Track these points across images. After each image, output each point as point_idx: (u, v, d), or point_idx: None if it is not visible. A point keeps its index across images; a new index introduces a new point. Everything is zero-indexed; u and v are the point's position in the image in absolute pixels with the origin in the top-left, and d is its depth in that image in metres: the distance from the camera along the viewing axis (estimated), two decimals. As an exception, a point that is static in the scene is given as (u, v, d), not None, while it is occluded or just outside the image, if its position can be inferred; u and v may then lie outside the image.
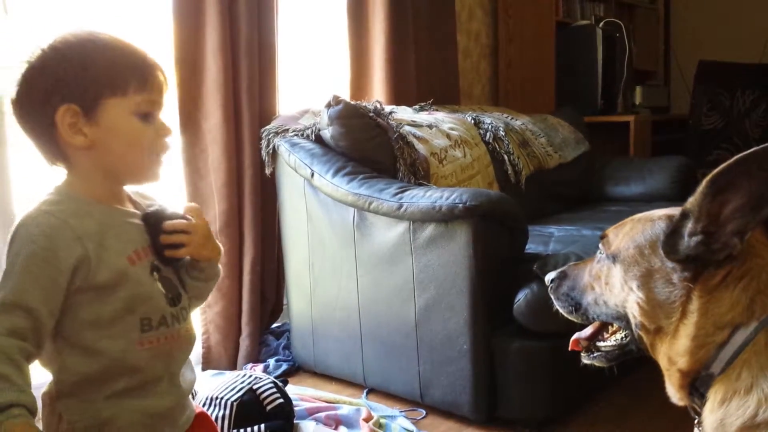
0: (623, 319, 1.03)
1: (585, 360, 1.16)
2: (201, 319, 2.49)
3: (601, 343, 1.13)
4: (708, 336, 0.89)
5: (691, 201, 0.91)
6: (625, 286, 1.00)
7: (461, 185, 2.59)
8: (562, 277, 1.17)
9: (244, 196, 2.49)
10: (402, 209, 2.08)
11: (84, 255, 0.96)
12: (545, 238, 2.43)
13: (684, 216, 0.93)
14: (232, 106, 2.45)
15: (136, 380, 1.02)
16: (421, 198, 2.07)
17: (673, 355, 0.94)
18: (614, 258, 1.02)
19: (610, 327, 1.11)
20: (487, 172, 2.87)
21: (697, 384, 0.92)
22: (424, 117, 2.84)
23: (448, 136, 2.76)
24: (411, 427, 2.06)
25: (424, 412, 2.17)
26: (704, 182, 0.89)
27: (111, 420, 1.01)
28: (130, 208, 1.08)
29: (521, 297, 1.98)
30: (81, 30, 1.02)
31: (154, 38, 2.47)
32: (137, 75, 1.00)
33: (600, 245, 1.08)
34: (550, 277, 1.20)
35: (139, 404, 1.03)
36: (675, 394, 0.99)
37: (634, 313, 0.99)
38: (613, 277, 1.02)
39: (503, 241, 2.04)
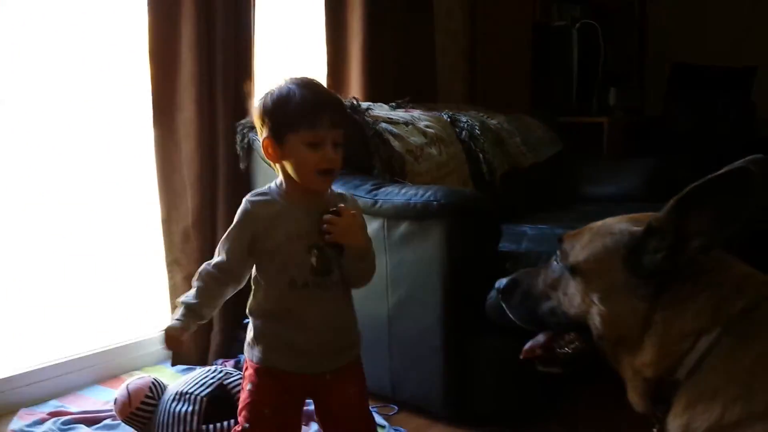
0: (583, 329, 1.02)
1: (540, 368, 1.16)
2: (172, 315, 2.45)
3: (557, 351, 1.11)
4: (673, 345, 0.90)
5: (659, 218, 0.92)
6: (587, 299, 0.99)
7: (436, 183, 2.59)
8: (514, 284, 1.16)
9: (217, 191, 2.47)
10: (377, 206, 2.08)
11: (260, 225, 1.42)
12: (518, 236, 2.44)
13: (649, 232, 0.93)
14: (207, 99, 2.42)
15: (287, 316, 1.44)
16: (396, 195, 2.06)
17: (637, 364, 0.94)
18: (573, 270, 1.01)
19: (566, 335, 1.09)
20: (462, 171, 2.88)
21: (661, 391, 0.92)
22: (400, 114, 2.84)
23: (424, 133, 2.76)
24: (383, 422, 2.06)
25: (396, 408, 2.17)
26: (673, 201, 0.90)
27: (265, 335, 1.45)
28: (314, 203, 1.44)
29: (494, 295, 1.99)
30: (288, 78, 1.45)
31: (129, 30, 2.44)
32: (307, 118, 1.37)
33: (557, 252, 1.06)
34: (500, 284, 1.18)
35: (284, 332, 1.43)
36: (638, 402, 0.99)
37: (595, 324, 0.98)
38: (573, 288, 1.01)
39: (477, 239, 2.05)
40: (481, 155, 3.02)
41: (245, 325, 1.51)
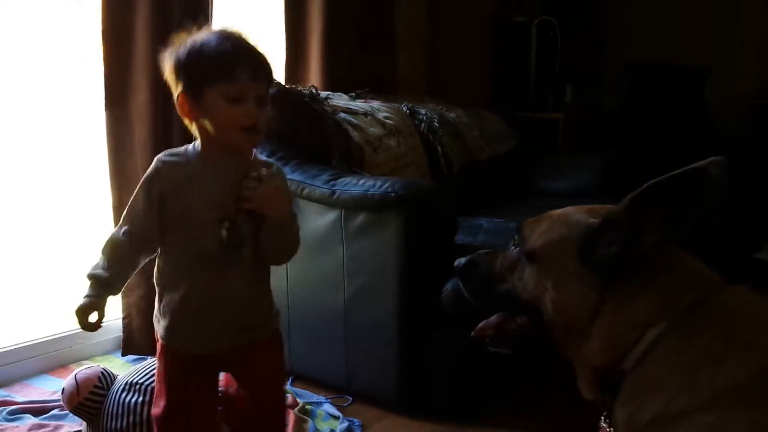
0: (535, 314, 1.03)
1: (490, 348, 1.17)
2: (122, 303, 2.41)
3: (508, 333, 1.13)
4: (621, 335, 0.92)
5: (615, 211, 0.94)
6: (540, 284, 1.01)
7: (395, 175, 2.59)
8: (472, 264, 1.17)
9: (171, 178, 2.42)
10: (334, 196, 2.07)
11: (168, 194, 1.32)
12: (474, 229, 2.46)
13: (605, 225, 0.95)
14: (162, 84, 2.36)
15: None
16: (354, 186, 2.06)
17: (586, 353, 0.96)
18: (530, 255, 1.03)
19: (518, 318, 1.12)
20: (420, 163, 2.89)
21: (608, 380, 0.94)
22: (359, 105, 2.82)
23: (383, 125, 2.76)
24: (337, 413, 2.06)
25: (351, 398, 2.17)
26: (630, 197, 0.91)
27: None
28: (229, 168, 1.33)
29: (449, 287, 2.00)
30: (209, 28, 1.34)
31: (81, 9, 2.37)
32: (226, 69, 1.27)
33: (516, 237, 1.08)
34: (459, 262, 1.19)
35: (189, 307, 1.35)
36: (586, 389, 1.01)
37: (547, 310, 1.00)
38: (528, 274, 1.03)
39: (433, 231, 2.05)
40: (439, 148, 3.03)
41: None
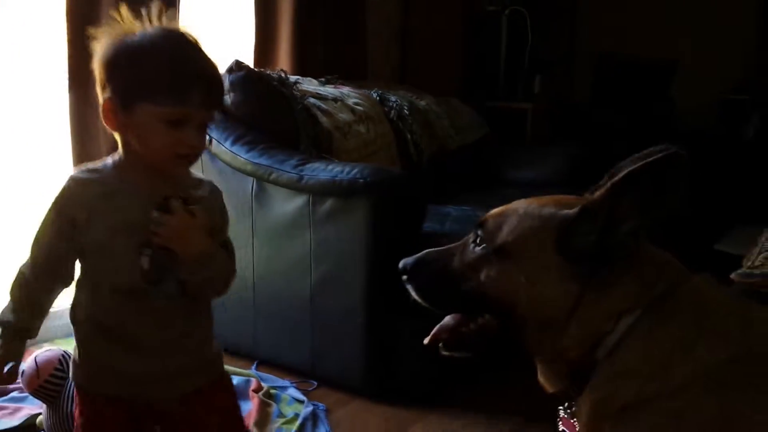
0: (505, 312, 0.99)
1: (444, 352, 1.11)
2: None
3: (467, 335, 1.07)
4: (597, 326, 0.92)
5: (594, 201, 0.93)
6: (514, 281, 0.97)
7: (364, 161, 2.58)
8: (422, 263, 1.10)
9: (137, 160, 2.38)
10: (302, 182, 2.06)
11: (80, 217, 1.11)
12: (442, 217, 2.47)
13: (583, 215, 0.93)
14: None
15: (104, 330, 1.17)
16: (322, 171, 2.05)
17: (561, 346, 0.95)
18: (500, 251, 0.99)
19: (479, 318, 1.05)
20: (389, 150, 2.89)
21: (578, 370, 0.94)
22: (329, 90, 2.81)
23: (352, 111, 2.75)
24: (301, 397, 2.06)
25: (316, 383, 2.17)
26: (609, 185, 0.91)
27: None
28: (152, 190, 1.13)
29: (416, 274, 2.01)
30: (156, 28, 1.11)
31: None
32: (174, 91, 1.06)
33: (478, 232, 1.03)
34: (405, 262, 1.11)
35: (111, 351, 1.16)
36: (553, 382, 1.00)
37: (522, 306, 0.96)
38: (499, 270, 0.98)
39: (401, 218, 2.06)
40: (409, 135, 3.04)
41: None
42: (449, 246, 1.08)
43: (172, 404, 1.21)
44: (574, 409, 0.99)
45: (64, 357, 1.77)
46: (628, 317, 0.91)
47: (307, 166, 2.10)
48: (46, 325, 2.37)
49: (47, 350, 1.80)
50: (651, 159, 0.87)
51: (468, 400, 2.10)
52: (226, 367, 1.34)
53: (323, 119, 2.53)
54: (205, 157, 2.30)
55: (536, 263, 0.95)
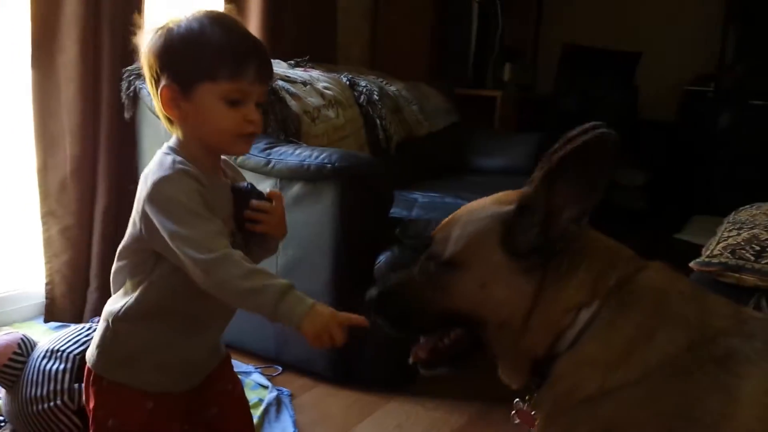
0: (468, 323, 0.98)
1: (425, 372, 1.09)
2: (46, 269, 2.32)
3: (444, 352, 1.06)
4: (558, 320, 0.92)
5: (528, 194, 0.92)
6: (469, 290, 0.96)
7: (332, 146, 2.57)
8: (386, 294, 1.07)
9: (99, 140, 2.33)
10: (269, 165, 2.04)
11: (207, 205, 1.09)
12: (410, 203, 2.48)
13: (520, 210, 0.93)
14: (92, 42, 2.27)
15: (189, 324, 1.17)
16: (290, 155, 2.04)
17: (523, 345, 0.95)
18: (451, 263, 0.98)
19: (452, 333, 1.03)
20: (359, 135, 2.88)
21: (540, 365, 0.94)
22: (298, 73, 2.78)
23: (322, 95, 2.73)
24: (266, 382, 2.06)
25: (280, 368, 2.17)
26: (540, 175, 0.90)
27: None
28: (222, 178, 1.18)
29: (382, 259, 2.02)
30: (198, 11, 1.12)
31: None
32: (230, 64, 1.08)
33: (431, 249, 1.01)
34: (370, 295, 1.08)
35: (178, 343, 1.16)
36: (515, 379, 1.00)
37: (483, 313, 0.96)
38: (454, 282, 0.98)
39: (369, 203, 2.06)
40: (378, 121, 3.03)
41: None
42: (409, 268, 1.06)
43: (202, 386, 1.23)
44: (533, 401, 0.99)
45: (24, 341, 1.74)
46: (587, 309, 0.91)
47: (275, 150, 2.08)
48: (6, 309, 2.35)
49: (6, 334, 1.77)
50: (576, 144, 0.86)
51: (431, 385, 2.12)
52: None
53: (292, 103, 2.51)
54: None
55: (486, 267, 0.95)
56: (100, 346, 1.16)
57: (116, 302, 1.15)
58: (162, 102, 1.11)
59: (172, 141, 1.16)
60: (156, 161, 1.12)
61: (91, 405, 1.17)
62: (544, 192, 0.90)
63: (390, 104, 3.17)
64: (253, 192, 1.19)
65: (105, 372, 1.16)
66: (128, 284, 1.15)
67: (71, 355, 1.70)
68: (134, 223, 1.12)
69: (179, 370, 1.16)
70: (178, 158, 1.10)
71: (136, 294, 1.13)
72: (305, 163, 1.99)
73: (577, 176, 0.88)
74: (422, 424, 1.92)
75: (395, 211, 2.21)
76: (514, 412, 1.06)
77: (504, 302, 0.94)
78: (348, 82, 3.02)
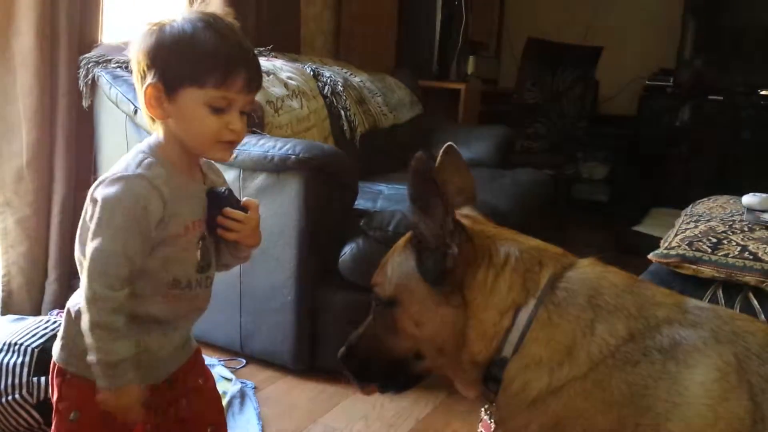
0: (418, 355, 1.01)
1: (383, 392, 1.13)
2: (2, 260, 2.27)
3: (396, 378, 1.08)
4: (496, 324, 0.94)
5: (413, 226, 0.96)
6: (407, 326, 0.99)
7: (296, 137, 2.55)
8: (351, 349, 1.09)
9: (56, 128, 2.28)
10: (232, 156, 2.01)
11: (163, 215, 1.07)
12: (374, 195, 2.48)
13: (416, 242, 0.97)
14: (49, 27, 2.21)
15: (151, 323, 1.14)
16: (254, 146, 2.02)
17: (469, 357, 0.96)
18: (393, 303, 1.00)
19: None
20: (323, 126, 2.86)
21: (491, 370, 0.95)
22: (262, 63, 2.75)
23: (285, 85, 2.71)
24: (230, 375, 2.04)
25: (244, 361, 2.16)
26: (411, 203, 0.94)
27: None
28: (199, 180, 1.17)
29: (347, 251, 2.02)
30: (194, 12, 1.12)
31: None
32: (218, 73, 1.07)
33: (374, 294, 1.04)
34: (340, 354, 1.11)
35: (150, 343, 1.14)
36: (470, 390, 1.02)
37: (423, 346, 0.99)
38: (396, 323, 1.00)
39: (333, 195, 2.05)
40: (343, 112, 3.02)
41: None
42: (367, 319, 1.08)
43: (168, 381, 1.21)
44: (492, 408, 1.00)
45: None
46: (525, 309, 0.92)
47: (238, 140, 2.06)
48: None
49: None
50: (409, 175, 0.92)
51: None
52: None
53: (255, 93, 2.48)
54: (130, 127, 2.23)
55: (415, 301, 0.98)
56: (64, 338, 1.14)
57: (81, 295, 1.11)
58: (145, 99, 1.10)
59: (152, 139, 1.14)
60: (126, 157, 1.11)
61: (55, 397, 1.16)
62: (418, 220, 0.94)
63: (354, 95, 3.16)
64: (228, 198, 1.18)
65: (68, 365, 1.13)
66: None
67: (29, 348, 1.67)
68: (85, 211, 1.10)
69: (144, 365, 1.13)
70: (149, 160, 1.09)
71: None
72: (269, 154, 1.97)
73: (425, 197, 0.92)
74: (388, 414, 1.93)
75: (360, 203, 2.21)
76: (480, 422, 1.09)
77: (436, 332, 0.97)
78: (312, 73, 3.00)
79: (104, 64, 2.28)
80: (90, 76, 2.28)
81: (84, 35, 2.33)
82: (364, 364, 1.08)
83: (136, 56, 1.11)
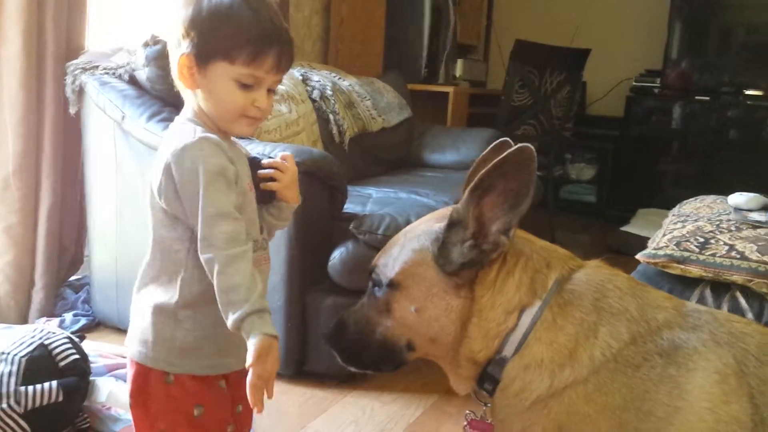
0: (408, 344, 1.01)
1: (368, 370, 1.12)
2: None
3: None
4: (500, 324, 0.94)
5: (457, 210, 0.94)
6: (405, 310, 0.98)
7: (285, 141, 2.55)
8: (341, 327, 1.09)
9: (43, 136, 2.27)
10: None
11: (235, 173, 1.09)
12: (364, 198, 2.48)
13: (451, 226, 0.95)
14: (36, 34, 2.20)
15: None
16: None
17: (467, 354, 0.96)
18: (394, 286, 0.99)
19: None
20: (312, 130, 2.86)
21: (489, 369, 0.95)
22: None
23: (273, 89, 2.70)
24: (219, 382, 2.03)
25: (234, 367, 2.15)
26: (467, 192, 0.92)
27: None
28: (239, 147, 1.20)
29: (336, 255, 2.02)
30: None
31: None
32: (250, 50, 1.08)
33: (373, 276, 1.03)
34: (324, 333, 1.11)
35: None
36: (465, 386, 1.02)
37: (421, 334, 0.98)
38: (394, 303, 0.99)
39: (323, 199, 2.05)
40: (331, 116, 3.01)
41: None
42: (361, 300, 1.07)
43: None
44: (486, 408, 1.00)
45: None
46: (529, 310, 0.93)
47: (226, 145, 2.05)
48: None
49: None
50: (497, 160, 0.89)
51: (386, 380, 2.13)
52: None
53: (243, 98, 2.47)
54: (118, 133, 2.22)
55: (421, 287, 0.97)
56: (158, 342, 1.12)
57: (165, 292, 1.13)
58: (178, 68, 1.11)
59: (188, 111, 1.15)
60: (175, 132, 1.11)
61: (155, 406, 1.13)
62: (472, 207, 0.93)
63: (343, 99, 3.16)
64: (262, 160, 1.22)
65: (172, 366, 1.12)
66: (168, 274, 1.13)
67: (17, 358, 1.65)
68: (152, 207, 1.12)
69: (236, 348, 1.11)
70: (199, 127, 1.10)
71: (180, 280, 1.11)
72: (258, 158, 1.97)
73: (504, 188, 0.90)
74: (378, 418, 1.93)
75: (349, 207, 2.20)
76: (465, 423, 1.07)
77: (435, 318, 0.96)
78: (301, 77, 3.00)
79: (91, 71, 2.27)
80: (77, 83, 2.27)
81: (71, 42, 2.33)
82: (351, 345, 1.07)
83: (177, 22, 1.11)
